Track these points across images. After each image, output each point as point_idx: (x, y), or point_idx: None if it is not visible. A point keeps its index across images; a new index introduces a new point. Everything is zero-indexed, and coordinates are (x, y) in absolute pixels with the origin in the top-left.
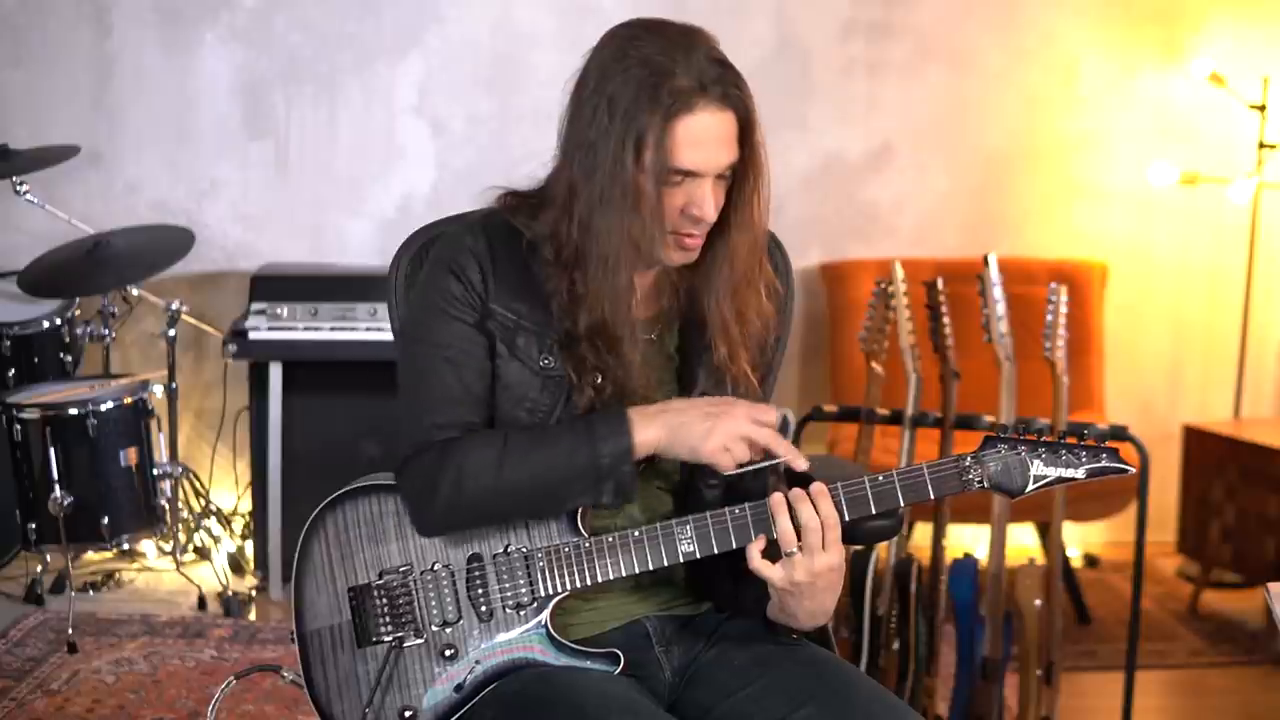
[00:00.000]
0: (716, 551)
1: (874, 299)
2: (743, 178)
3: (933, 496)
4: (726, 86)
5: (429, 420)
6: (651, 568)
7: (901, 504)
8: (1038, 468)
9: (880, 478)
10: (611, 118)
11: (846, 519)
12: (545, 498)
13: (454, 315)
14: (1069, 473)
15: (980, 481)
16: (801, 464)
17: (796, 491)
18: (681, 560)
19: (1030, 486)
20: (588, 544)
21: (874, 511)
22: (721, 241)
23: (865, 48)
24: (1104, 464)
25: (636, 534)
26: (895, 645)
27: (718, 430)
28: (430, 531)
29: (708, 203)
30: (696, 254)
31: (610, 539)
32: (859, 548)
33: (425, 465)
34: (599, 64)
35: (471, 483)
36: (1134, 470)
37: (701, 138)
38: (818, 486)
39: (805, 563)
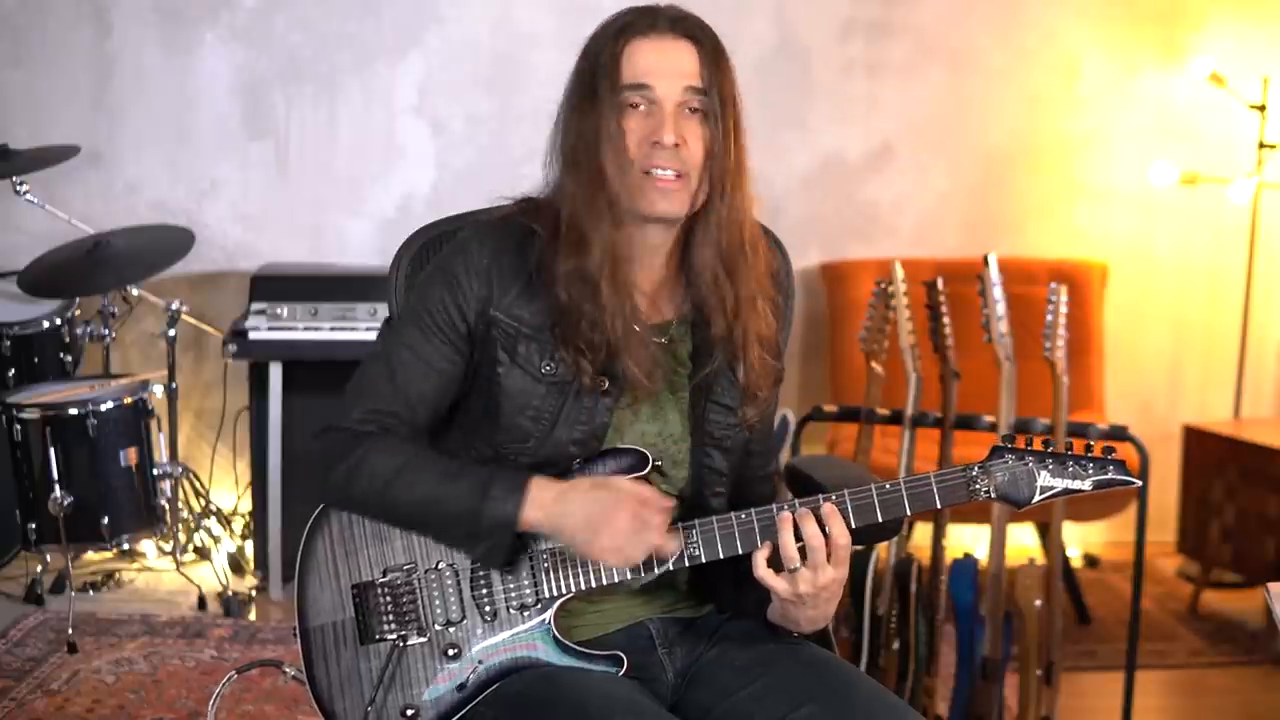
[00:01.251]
0: (722, 557)
1: (874, 299)
2: (717, 115)
3: (939, 506)
4: (688, 26)
5: (360, 405)
6: (656, 572)
7: (908, 513)
8: (1044, 479)
9: (887, 486)
10: (574, 75)
11: (853, 527)
12: (423, 527)
13: (430, 325)
14: (1076, 484)
15: (987, 492)
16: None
17: (803, 511)
18: (687, 565)
19: (1037, 498)
20: None
21: (880, 520)
22: (713, 205)
23: (865, 48)
24: (1111, 476)
25: None
26: (895, 645)
27: (596, 545)
28: (324, 499)
29: (667, 125)
30: (679, 203)
31: None
32: (859, 548)
33: (335, 443)
34: (579, 54)
35: (362, 483)
36: (1140, 484)
37: (653, 58)
38: (829, 509)
39: (809, 577)
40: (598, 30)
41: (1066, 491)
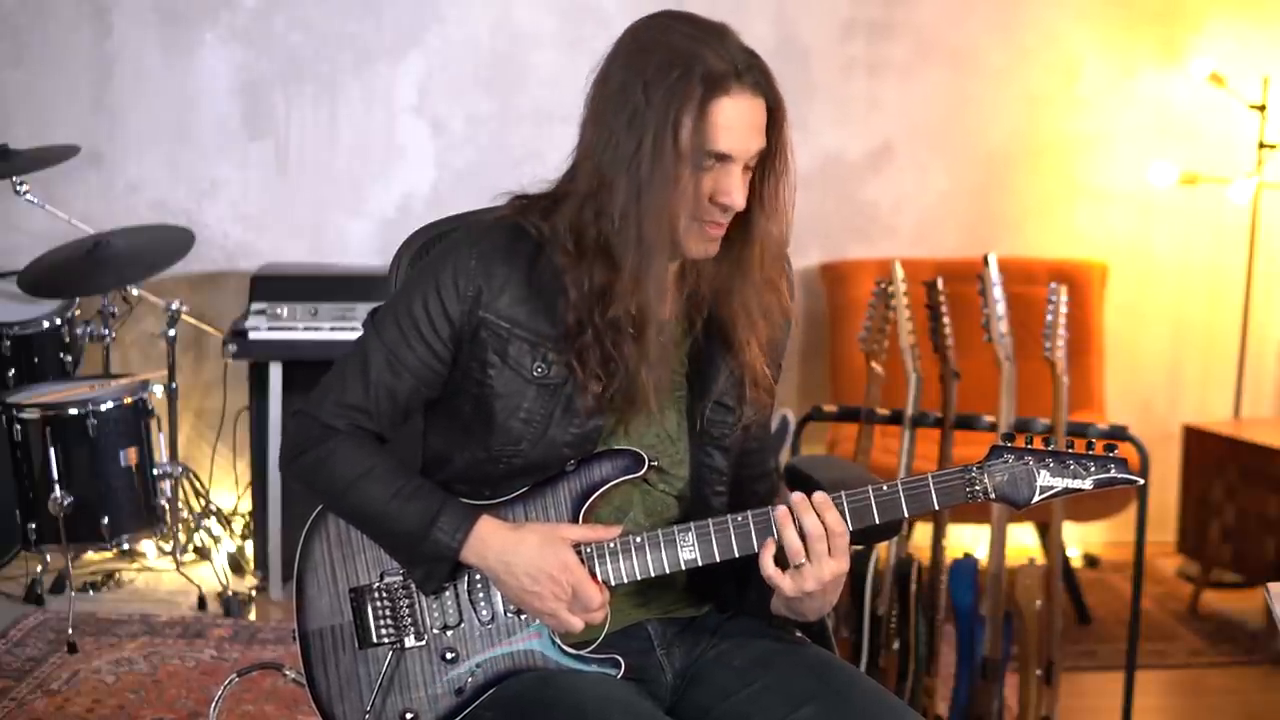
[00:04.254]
0: (719, 559)
1: (874, 299)
2: (770, 168)
3: (937, 507)
4: (757, 75)
5: (333, 398)
6: (653, 574)
7: (905, 514)
8: (1044, 478)
9: (885, 487)
10: (648, 103)
11: (850, 529)
12: (373, 537)
13: (410, 327)
14: (1076, 483)
15: (986, 493)
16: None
17: (798, 499)
18: (683, 567)
19: (1036, 498)
20: (589, 549)
21: (878, 522)
22: (745, 236)
23: (865, 48)
24: (1112, 475)
25: (639, 539)
26: (895, 645)
27: (531, 609)
28: (285, 476)
29: (737, 190)
30: (716, 247)
31: (612, 544)
32: (859, 547)
33: (307, 428)
34: (626, 55)
35: (323, 481)
36: (1141, 482)
37: (735, 122)
38: (821, 497)
39: (814, 571)
40: (669, 53)
41: (1066, 491)
